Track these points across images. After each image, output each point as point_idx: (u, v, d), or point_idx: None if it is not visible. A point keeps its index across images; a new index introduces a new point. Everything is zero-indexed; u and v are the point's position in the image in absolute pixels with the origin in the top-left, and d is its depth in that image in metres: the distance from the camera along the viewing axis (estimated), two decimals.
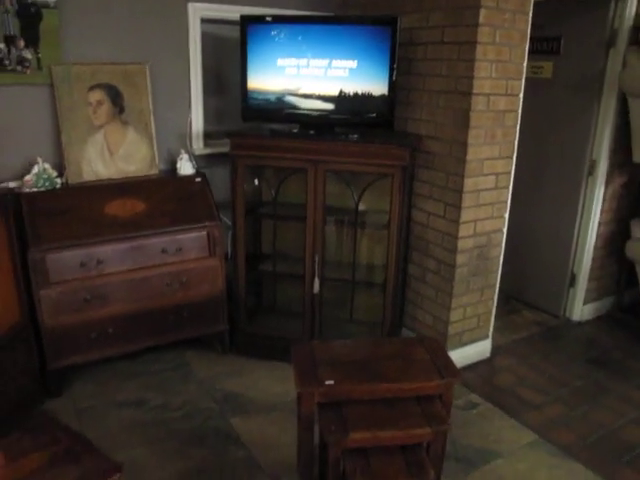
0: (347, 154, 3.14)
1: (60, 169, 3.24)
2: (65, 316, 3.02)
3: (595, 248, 4.12)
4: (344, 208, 3.46)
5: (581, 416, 3.15)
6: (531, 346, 3.91)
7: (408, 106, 3.46)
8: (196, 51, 3.59)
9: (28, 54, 3.05)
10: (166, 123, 3.57)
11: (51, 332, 3.01)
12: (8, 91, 3.06)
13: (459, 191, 3.19)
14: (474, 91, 3.03)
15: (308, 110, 3.28)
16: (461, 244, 3.29)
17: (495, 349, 3.78)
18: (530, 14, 3.12)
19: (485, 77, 3.04)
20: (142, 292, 3.19)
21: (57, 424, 2.02)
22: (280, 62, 3.24)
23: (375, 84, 3.17)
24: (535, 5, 3.13)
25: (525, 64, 3.21)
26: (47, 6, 3.04)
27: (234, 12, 3.41)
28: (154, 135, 3.47)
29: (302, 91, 3.26)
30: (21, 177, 3.11)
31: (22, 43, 3.02)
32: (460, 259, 3.31)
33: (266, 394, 3.23)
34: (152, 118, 3.45)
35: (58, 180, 3.17)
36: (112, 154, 3.35)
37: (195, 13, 3.53)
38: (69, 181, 3.24)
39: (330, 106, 3.25)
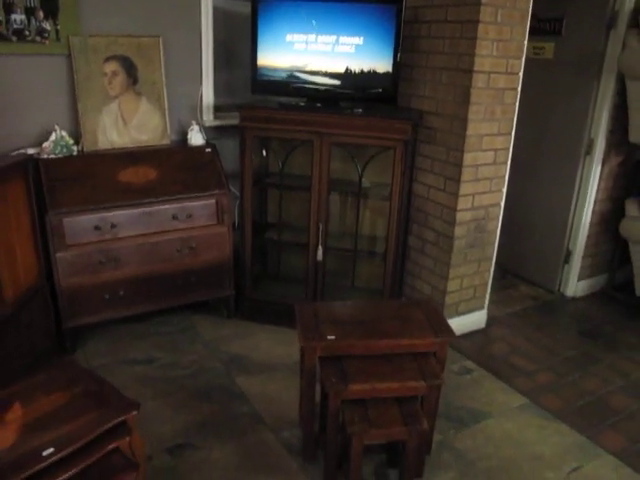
0: (352, 127, 3.26)
1: (76, 137, 3.36)
2: (80, 277, 3.17)
3: (590, 225, 4.23)
4: (348, 180, 3.59)
5: (570, 383, 3.30)
6: (525, 318, 4.05)
7: (412, 82, 3.57)
8: (208, 26, 3.70)
9: (47, 25, 3.16)
10: (177, 95, 3.70)
11: (66, 293, 3.15)
12: (28, 61, 3.18)
13: (459, 165, 3.32)
14: (475, 69, 3.13)
15: (315, 85, 3.39)
16: (459, 217, 3.42)
17: (490, 320, 3.92)
18: None
19: (486, 55, 3.15)
20: (153, 256, 3.33)
21: (77, 367, 2.18)
22: (289, 38, 3.35)
23: (380, 61, 3.28)
24: None
25: (525, 43, 3.31)
26: None
27: None
28: (166, 106, 3.60)
29: (310, 67, 3.37)
30: (39, 144, 3.23)
31: (42, 14, 3.13)
32: (458, 231, 3.45)
33: (269, 356, 3.39)
34: (164, 90, 3.58)
35: (74, 147, 3.30)
36: (126, 123, 3.48)
37: None
38: (85, 149, 3.38)
39: (336, 81, 3.36)
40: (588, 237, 4.27)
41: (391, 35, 3.22)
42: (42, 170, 3.12)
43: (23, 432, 1.79)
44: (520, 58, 3.32)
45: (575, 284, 4.38)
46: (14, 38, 3.08)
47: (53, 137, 3.22)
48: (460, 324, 3.66)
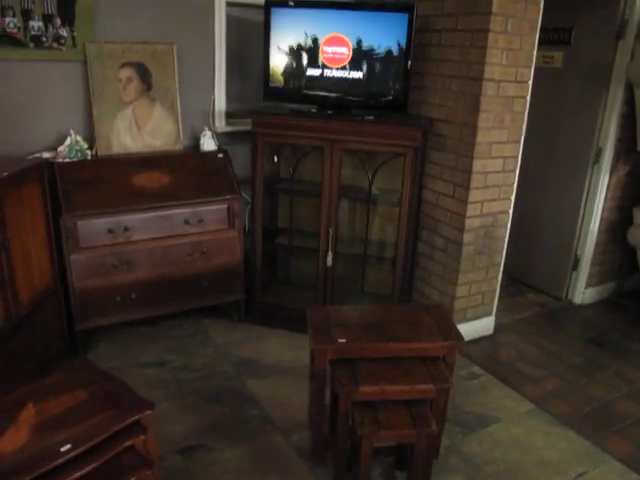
0: (362, 134, 3.30)
1: (91, 141, 3.41)
2: (93, 280, 3.21)
3: (598, 233, 4.26)
4: (358, 187, 3.62)
5: (577, 390, 3.32)
6: (533, 325, 4.07)
7: (422, 90, 3.61)
8: (221, 33, 3.75)
9: (64, 32, 3.22)
10: (190, 101, 3.74)
11: (79, 295, 3.19)
12: (44, 67, 3.24)
13: (468, 172, 3.35)
14: (485, 77, 3.18)
15: (326, 92, 3.44)
16: (468, 223, 3.45)
17: (498, 326, 3.95)
18: (541, 4, 3.25)
19: (496, 64, 3.19)
20: (165, 260, 3.38)
21: (92, 367, 2.22)
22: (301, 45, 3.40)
23: (391, 68, 3.32)
24: None
25: (535, 52, 3.35)
26: None
27: None
28: (179, 112, 3.65)
29: (321, 74, 3.42)
30: (54, 148, 3.28)
31: (59, 21, 3.19)
32: (467, 237, 3.48)
33: (279, 360, 3.42)
34: (178, 96, 3.63)
35: (89, 152, 3.35)
36: (140, 129, 3.53)
37: None
38: (99, 153, 3.43)
39: (347, 89, 3.41)
40: (596, 245, 4.30)
41: (402, 43, 3.26)
42: (57, 174, 3.16)
43: (41, 430, 1.83)
44: (529, 67, 3.35)
45: (583, 291, 4.40)
46: (32, 44, 3.14)
47: (68, 141, 3.27)
48: (468, 330, 3.67)
